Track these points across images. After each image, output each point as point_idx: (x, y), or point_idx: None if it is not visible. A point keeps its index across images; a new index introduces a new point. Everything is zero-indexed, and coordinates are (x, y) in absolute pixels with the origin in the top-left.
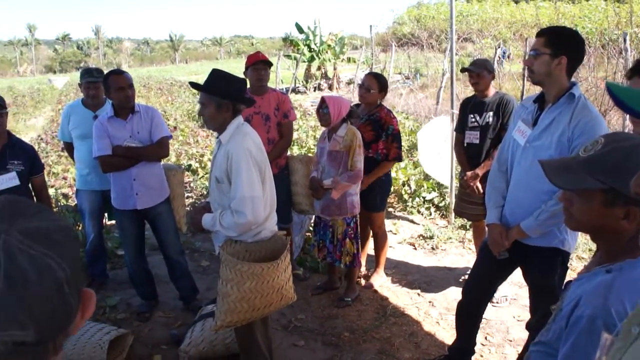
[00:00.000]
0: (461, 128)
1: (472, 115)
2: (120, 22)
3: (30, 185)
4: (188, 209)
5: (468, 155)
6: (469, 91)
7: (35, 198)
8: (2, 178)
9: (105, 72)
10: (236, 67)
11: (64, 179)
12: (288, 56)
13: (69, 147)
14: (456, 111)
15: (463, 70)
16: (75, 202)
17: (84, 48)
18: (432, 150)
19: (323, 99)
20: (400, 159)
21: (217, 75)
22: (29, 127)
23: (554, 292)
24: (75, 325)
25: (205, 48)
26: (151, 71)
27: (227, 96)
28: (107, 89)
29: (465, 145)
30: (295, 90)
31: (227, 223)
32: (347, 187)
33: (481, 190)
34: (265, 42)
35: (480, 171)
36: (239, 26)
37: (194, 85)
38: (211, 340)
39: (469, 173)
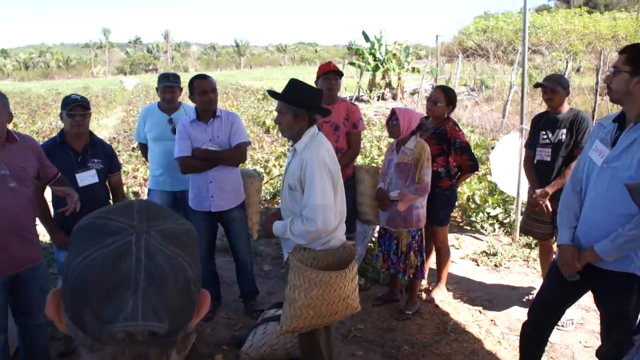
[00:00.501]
0: (532, 144)
1: (544, 132)
2: (188, 27)
3: (107, 183)
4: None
5: (538, 173)
6: (536, 105)
7: (111, 195)
8: (83, 175)
9: (160, 74)
10: (299, 74)
11: (134, 178)
12: (352, 64)
13: (143, 148)
14: (526, 126)
15: (537, 85)
16: None
17: (154, 51)
18: (505, 168)
19: (393, 111)
20: (476, 169)
21: (295, 85)
22: (101, 127)
23: (627, 320)
24: (192, 323)
25: (269, 54)
26: (217, 75)
27: (304, 105)
28: (192, 92)
29: (535, 162)
30: (358, 99)
31: (297, 230)
32: (414, 199)
33: (550, 209)
34: (329, 49)
35: (550, 189)
36: (303, 33)
37: (272, 93)
38: (272, 344)
39: (538, 191)
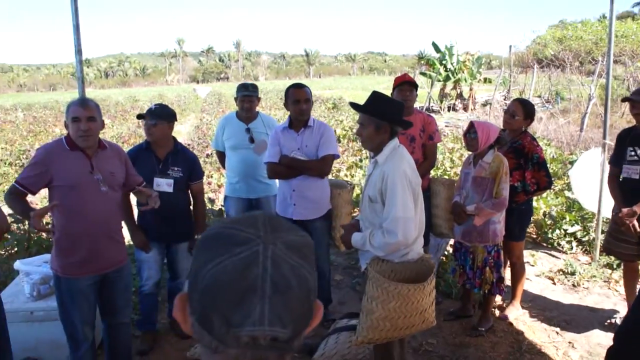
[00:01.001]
0: (617, 161)
1: (631, 148)
2: (259, 37)
3: (189, 190)
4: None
5: (624, 191)
6: (616, 117)
7: (192, 203)
8: (161, 182)
9: (239, 83)
10: (368, 84)
11: (208, 184)
12: (424, 74)
13: (221, 156)
14: (609, 141)
15: (625, 99)
16: (220, 206)
17: (225, 60)
18: (586, 184)
19: (472, 124)
20: (550, 186)
21: (377, 97)
22: (175, 133)
23: None
24: (306, 330)
25: (338, 63)
26: (287, 84)
27: (385, 118)
28: (286, 100)
29: (621, 179)
30: (429, 110)
31: (377, 242)
32: (491, 214)
33: (638, 229)
34: (398, 59)
35: (638, 209)
36: (373, 43)
37: (354, 105)
38: (344, 354)
39: (625, 210)
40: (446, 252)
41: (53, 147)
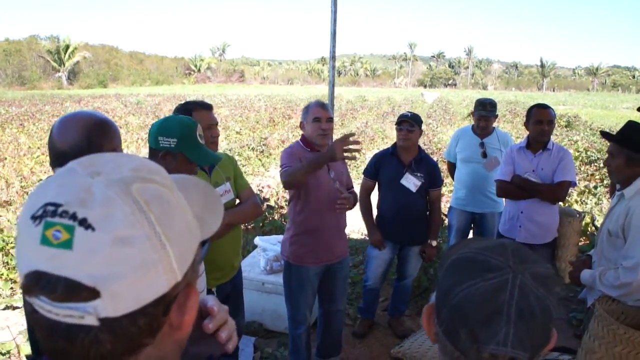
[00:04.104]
0: None
1: None
2: (491, 44)
3: (427, 197)
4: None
5: None
6: None
7: (429, 208)
8: (411, 178)
9: (477, 99)
10: (610, 102)
11: None
12: None
13: (451, 167)
14: None
15: None
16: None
17: (455, 66)
18: None
19: None
20: None
21: (631, 127)
22: None
23: None
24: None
25: (576, 77)
26: (518, 96)
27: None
28: (527, 119)
29: None
30: None
31: (611, 281)
32: None
33: None
34: None
35: None
36: (619, 55)
37: (605, 135)
38: None
39: None
40: None
41: (294, 149)
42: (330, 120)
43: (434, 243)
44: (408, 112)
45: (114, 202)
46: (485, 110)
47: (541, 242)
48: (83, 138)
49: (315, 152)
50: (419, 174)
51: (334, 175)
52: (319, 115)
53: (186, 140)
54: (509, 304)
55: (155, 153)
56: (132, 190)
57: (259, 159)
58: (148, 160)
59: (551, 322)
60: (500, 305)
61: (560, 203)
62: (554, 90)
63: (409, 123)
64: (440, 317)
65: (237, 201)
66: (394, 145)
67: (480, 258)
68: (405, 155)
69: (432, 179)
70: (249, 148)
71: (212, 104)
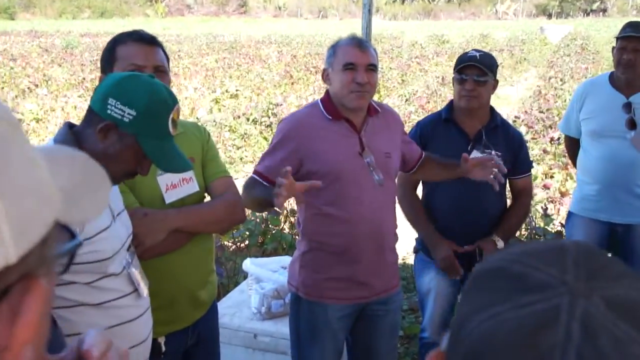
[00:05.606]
0: None
1: None
2: None
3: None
4: None
5: None
6: None
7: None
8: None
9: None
10: None
11: (544, 187)
12: None
13: (573, 145)
14: None
15: None
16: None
17: None
18: None
19: None
20: None
21: None
22: (500, 99)
23: None
24: None
25: None
26: None
27: None
28: None
29: None
30: None
31: None
32: None
33: None
34: None
35: None
36: None
37: None
38: None
39: None
40: None
41: (303, 117)
42: (372, 68)
43: (500, 243)
44: (474, 50)
45: None
46: (634, 30)
47: None
48: None
49: (342, 121)
50: (493, 152)
51: (372, 160)
52: (353, 59)
53: (151, 120)
54: (563, 349)
55: (94, 119)
56: None
57: (265, 137)
58: None
59: None
60: (549, 352)
61: None
62: None
63: (478, 69)
64: None
65: (207, 197)
66: (449, 106)
67: (516, 270)
68: (469, 122)
69: (516, 160)
70: (248, 120)
71: (190, 47)
